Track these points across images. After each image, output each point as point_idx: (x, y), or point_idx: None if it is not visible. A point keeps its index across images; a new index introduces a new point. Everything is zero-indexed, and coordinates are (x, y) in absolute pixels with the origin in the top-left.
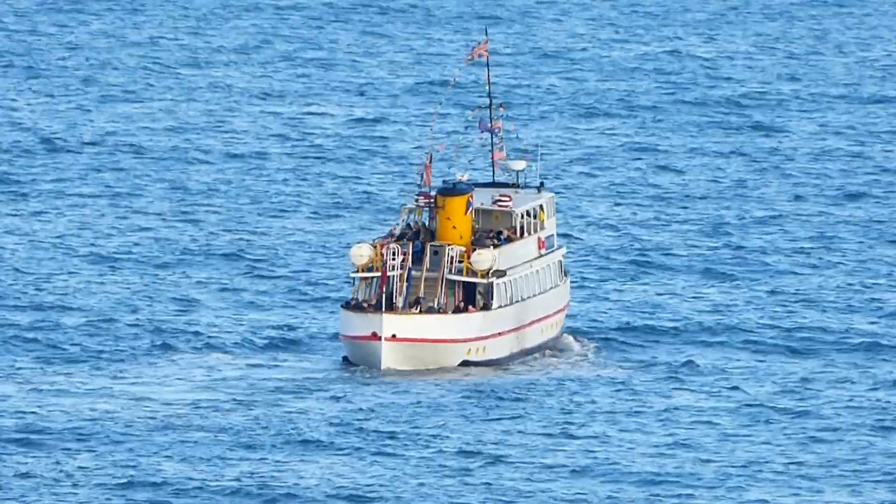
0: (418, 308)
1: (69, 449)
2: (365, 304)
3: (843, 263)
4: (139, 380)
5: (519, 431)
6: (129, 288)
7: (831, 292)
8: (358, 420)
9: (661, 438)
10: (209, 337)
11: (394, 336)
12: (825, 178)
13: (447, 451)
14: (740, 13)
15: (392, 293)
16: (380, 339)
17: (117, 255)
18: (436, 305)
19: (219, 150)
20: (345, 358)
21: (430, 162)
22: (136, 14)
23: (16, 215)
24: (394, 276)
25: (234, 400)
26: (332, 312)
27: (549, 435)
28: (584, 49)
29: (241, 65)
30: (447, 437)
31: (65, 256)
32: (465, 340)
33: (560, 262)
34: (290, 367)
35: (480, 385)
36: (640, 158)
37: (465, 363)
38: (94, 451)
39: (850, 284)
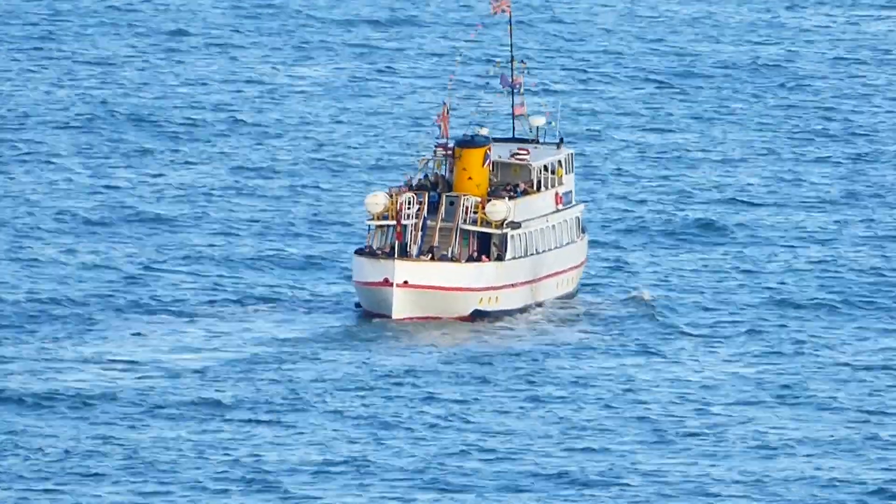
0: (431, 256)
1: (64, 415)
2: (379, 252)
3: (861, 233)
4: (136, 343)
5: (516, 398)
6: (116, 250)
7: (836, 262)
8: (349, 384)
9: (652, 409)
10: (203, 298)
11: (406, 283)
12: (851, 143)
13: (439, 416)
14: None
15: (407, 242)
16: (392, 285)
17: (102, 218)
18: (449, 255)
19: (226, 112)
20: (357, 304)
21: (447, 112)
22: None
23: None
24: (409, 225)
25: (227, 362)
26: (340, 277)
27: (537, 399)
28: (602, 11)
29: (246, 24)
30: (436, 400)
31: (61, 222)
32: (477, 289)
33: (578, 218)
34: (288, 328)
35: (478, 348)
36: (652, 124)
37: (478, 313)
38: (83, 418)
39: (860, 252)
